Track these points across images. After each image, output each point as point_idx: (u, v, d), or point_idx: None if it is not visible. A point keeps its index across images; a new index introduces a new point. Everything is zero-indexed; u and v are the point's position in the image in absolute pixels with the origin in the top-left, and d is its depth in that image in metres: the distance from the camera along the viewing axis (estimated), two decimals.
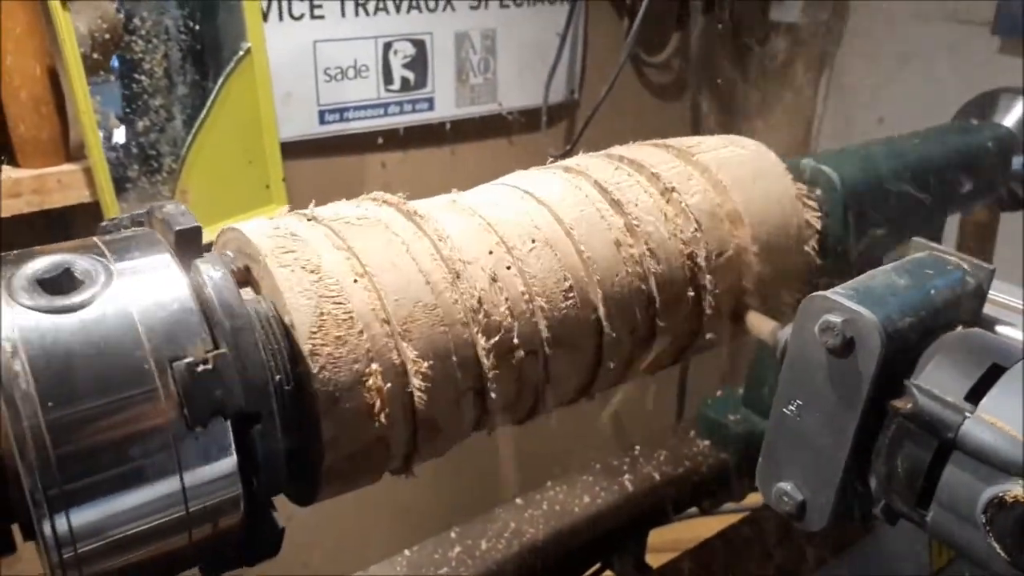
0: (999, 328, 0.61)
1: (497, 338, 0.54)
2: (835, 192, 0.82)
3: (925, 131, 0.97)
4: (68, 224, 1.13)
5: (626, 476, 0.97)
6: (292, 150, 1.29)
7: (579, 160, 0.70)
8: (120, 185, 1.08)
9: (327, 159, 1.36)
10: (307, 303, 0.48)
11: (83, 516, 0.39)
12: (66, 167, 1.07)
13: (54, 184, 1.06)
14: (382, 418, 0.49)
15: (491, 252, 0.57)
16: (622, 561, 1.01)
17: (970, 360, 0.52)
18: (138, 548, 0.41)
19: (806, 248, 0.73)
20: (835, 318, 0.52)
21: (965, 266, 0.60)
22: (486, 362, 0.54)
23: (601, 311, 0.59)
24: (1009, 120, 1.03)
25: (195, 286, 0.44)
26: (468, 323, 0.54)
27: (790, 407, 0.56)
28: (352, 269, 0.52)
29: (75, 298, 0.41)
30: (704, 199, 0.67)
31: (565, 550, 0.88)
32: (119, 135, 1.07)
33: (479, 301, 0.54)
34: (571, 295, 0.58)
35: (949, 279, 0.58)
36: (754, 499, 1.15)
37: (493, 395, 0.54)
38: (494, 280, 0.56)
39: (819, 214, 0.77)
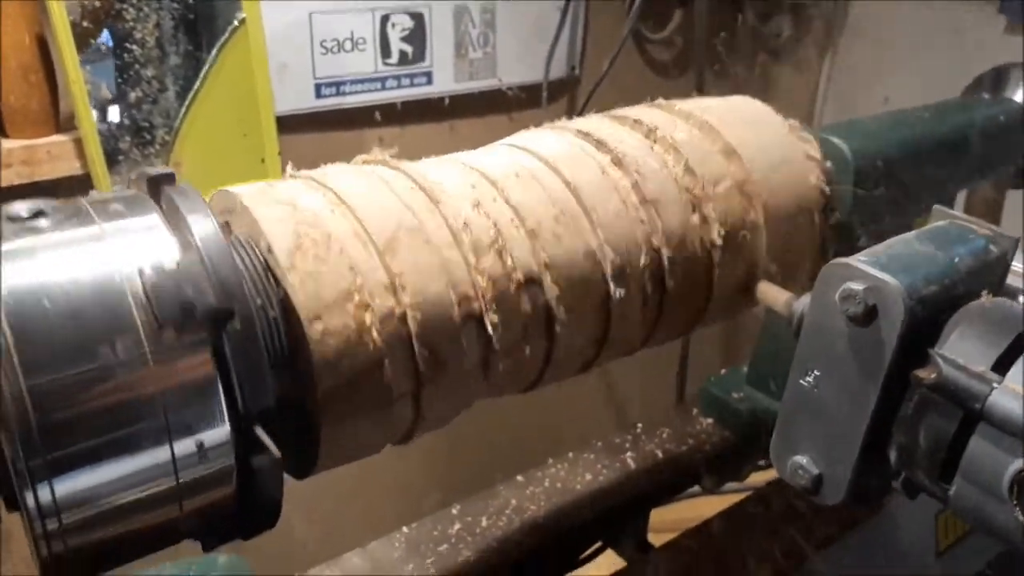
0: (1023, 298, 0.59)
1: (489, 257, 0.53)
2: (846, 164, 0.81)
3: (935, 105, 0.96)
4: (58, 196, 1.10)
5: (628, 454, 0.96)
6: (288, 124, 1.26)
7: (560, 122, 0.68)
8: (112, 157, 1.06)
9: (323, 134, 1.34)
10: (283, 228, 0.48)
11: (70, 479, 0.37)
12: (56, 138, 1.05)
13: (44, 155, 1.04)
14: (374, 334, 0.47)
15: (474, 186, 0.56)
16: (623, 539, 0.99)
17: (996, 330, 0.51)
18: (126, 514, 0.39)
19: (812, 181, 0.71)
20: (857, 285, 0.50)
21: (989, 234, 0.58)
22: (481, 282, 0.52)
23: (599, 237, 0.57)
24: (1020, 95, 1.01)
25: (171, 221, 0.43)
26: (455, 244, 0.52)
27: (807, 378, 0.54)
28: (330, 202, 0.51)
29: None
30: (690, 136, 0.66)
31: (566, 528, 0.87)
32: (111, 109, 1.05)
33: (464, 223, 0.53)
34: (563, 219, 0.57)
35: (972, 247, 0.57)
36: (757, 478, 1.14)
37: (494, 321, 0.52)
38: (477, 206, 0.55)
39: (820, 160, 0.74)
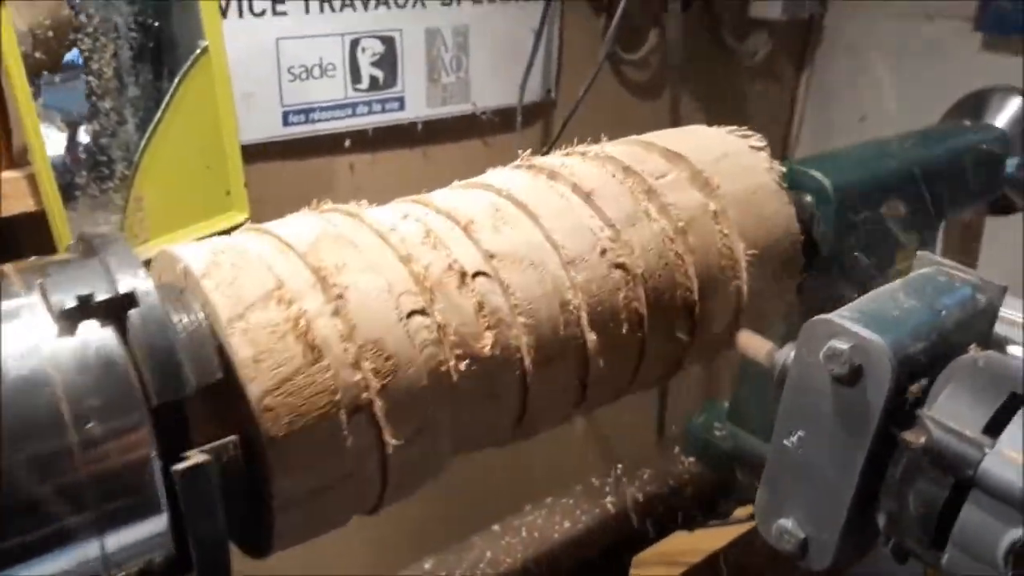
0: (1011, 349, 0.57)
1: (422, 251, 0.51)
2: (827, 198, 0.78)
3: (916, 133, 0.94)
4: (13, 235, 1.06)
5: (608, 498, 0.92)
6: (254, 153, 1.23)
7: (541, 159, 0.65)
8: (68, 193, 1.01)
9: (292, 162, 1.30)
10: (199, 251, 0.47)
11: None
12: (8, 174, 1.00)
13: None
14: (306, 330, 0.44)
15: (405, 213, 0.55)
16: None
17: (987, 388, 0.48)
18: None
19: (784, 205, 0.67)
20: (841, 344, 0.48)
21: (975, 282, 0.56)
22: (418, 271, 0.50)
23: (544, 228, 0.55)
24: (1001, 120, 1.00)
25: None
26: (384, 244, 0.51)
27: (791, 439, 0.52)
28: (252, 231, 0.51)
29: None
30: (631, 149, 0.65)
31: None
32: (61, 140, 1.01)
33: (391, 227, 0.52)
34: (500, 214, 0.55)
35: (959, 298, 0.54)
36: (740, 513, 1.12)
37: (439, 315, 0.49)
38: (405, 217, 0.54)
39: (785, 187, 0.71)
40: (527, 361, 0.52)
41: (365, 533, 1.55)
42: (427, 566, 0.82)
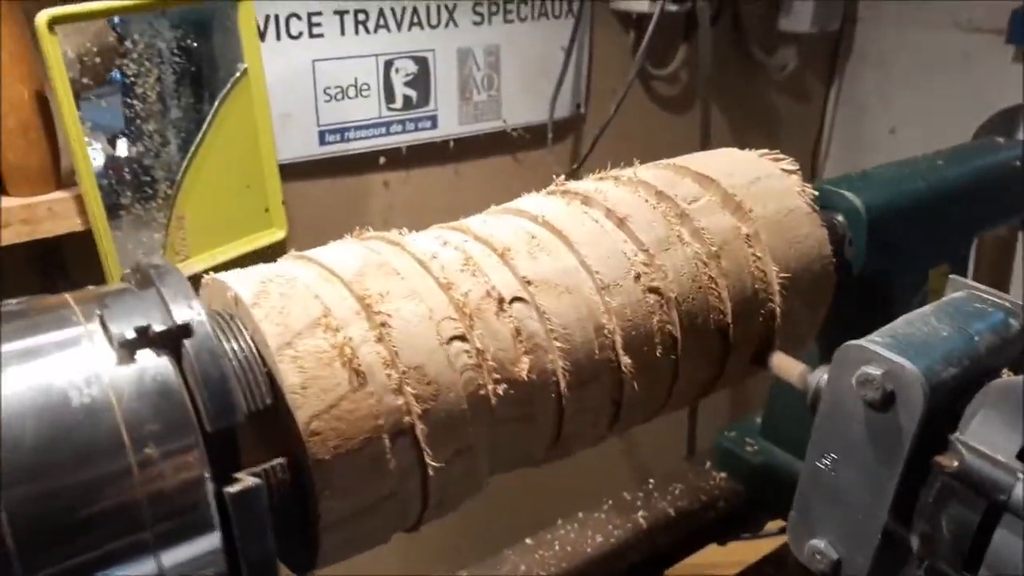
0: None
1: (462, 278, 0.53)
2: (859, 218, 0.79)
3: (948, 151, 0.94)
4: (60, 254, 1.09)
5: (640, 512, 0.93)
6: (292, 172, 1.25)
7: (574, 184, 0.67)
8: (113, 212, 1.04)
9: (328, 180, 1.33)
10: (247, 277, 0.49)
11: None
12: (57, 195, 1.03)
13: (44, 212, 1.03)
14: (351, 356, 0.46)
15: (443, 239, 0.56)
16: None
17: (1020, 413, 0.49)
18: None
19: (816, 228, 0.68)
20: (874, 370, 0.49)
21: (1007, 307, 0.56)
22: (457, 299, 0.51)
23: (580, 253, 0.56)
24: None
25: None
26: (425, 272, 0.52)
27: (824, 461, 0.52)
28: (296, 260, 0.53)
29: None
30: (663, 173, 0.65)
31: None
32: (102, 158, 1.04)
33: (433, 255, 0.54)
34: (535, 241, 0.57)
35: (991, 322, 0.55)
36: (772, 526, 1.12)
37: (477, 344, 0.50)
38: (445, 244, 0.55)
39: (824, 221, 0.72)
40: (562, 384, 0.53)
41: (398, 546, 1.57)
42: None
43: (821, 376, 0.57)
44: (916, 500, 0.50)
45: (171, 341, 0.41)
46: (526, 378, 0.51)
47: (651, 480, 0.99)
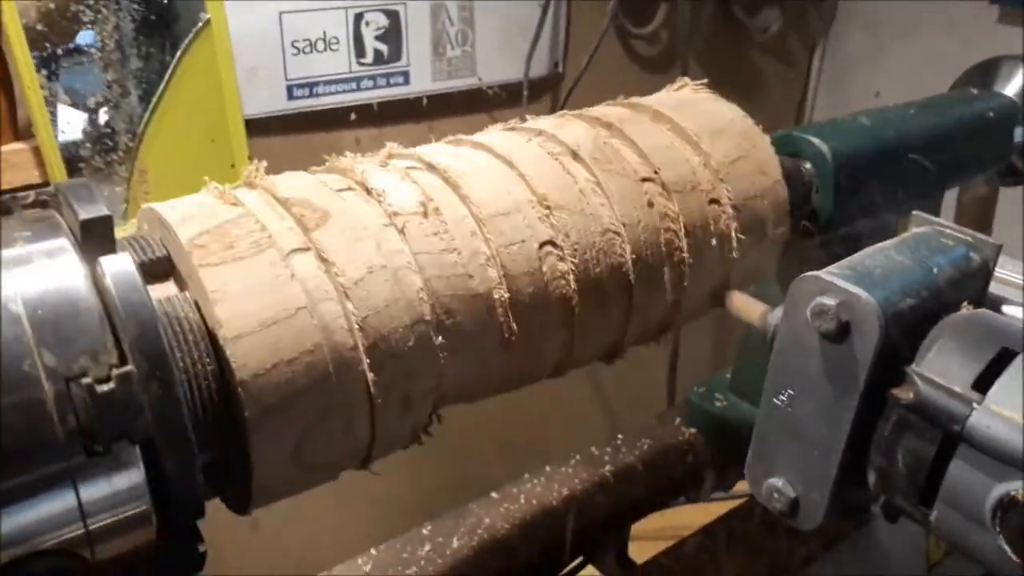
0: (1006, 308, 0.56)
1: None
2: (825, 165, 0.78)
3: (922, 101, 0.92)
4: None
5: (607, 467, 0.92)
6: (259, 127, 1.23)
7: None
8: (72, 165, 1.02)
9: (297, 136, 1.30)
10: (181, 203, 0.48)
11: None
12: (14, 146, 1.01)
13: (1, 164, 1.00)
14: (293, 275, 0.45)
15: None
16: (603, 555, 0.96)
17: (977, 344, 0.48)
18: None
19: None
20: (829, 300, 0.47)
21: (970, 241, 0.55)
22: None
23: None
24: (1010, 89, 0.98)
25: (98, 284, 0.39)
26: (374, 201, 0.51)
27: (781, 397, 0.51)
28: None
29: None
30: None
31: (542, 546, 0.83)
32: (68, 112, 1.01)
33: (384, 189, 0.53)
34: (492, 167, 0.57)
35: (952, 256, 0.54)
36: (743, 487, 1.11)
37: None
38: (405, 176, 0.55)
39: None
40: (506, 313, 0.52)
41: (363, 504, 1.57)
42: (425, 531, 0.83)
43: (779, 314, 0.56)
44: (872, 435, 0.49)
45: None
46: (472, 296, 0.50)
47: (619, 436, 0.98)
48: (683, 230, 0.59)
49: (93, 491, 0.37)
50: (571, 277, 0.53)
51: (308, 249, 0.46)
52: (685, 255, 0.59)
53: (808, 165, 0.78)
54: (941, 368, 0.47)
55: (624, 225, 0.56)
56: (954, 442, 0.45)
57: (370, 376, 0.46)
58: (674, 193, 0.59)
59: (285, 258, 0.45)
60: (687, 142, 0.63)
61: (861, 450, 0.50)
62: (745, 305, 0.61)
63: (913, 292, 0.49)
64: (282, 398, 0.43)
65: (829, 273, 0.49)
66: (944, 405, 0.46)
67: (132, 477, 0.38)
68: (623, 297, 0.57)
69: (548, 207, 0.54)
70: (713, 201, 0.61)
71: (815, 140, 0.78)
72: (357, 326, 0.46)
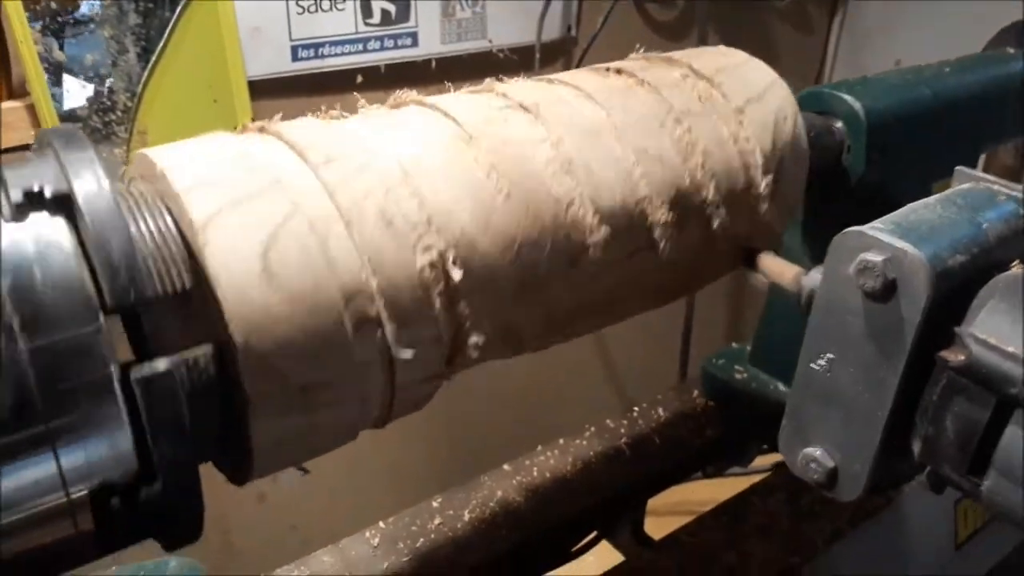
0: None
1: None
2: (858, 123, 0.74)
3: (957, 60, 0.88)
4: None
5: (623, 440, 0.89)
6: (263, 89, 1.19)
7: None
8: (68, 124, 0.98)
9: (301, 99, 1.26)
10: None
11: None
12: (7, 104, 0.98)
13: None
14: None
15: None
16: (619, 530, 0.93)
17: None
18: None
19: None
20: (874, 257, 0.44)
21: (1019, 197, 0.51)
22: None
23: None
24: None
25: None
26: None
27: (819, 361, 0.48)
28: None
29: None
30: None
31: (556, 520, 0.81)
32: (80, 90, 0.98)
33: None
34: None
35: (1002, 212, 0.50)
36: (761, 462, 1.08)
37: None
38: None
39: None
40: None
41: (387, 482, 1.55)
42: (435, 504, 0.80)
43: (816, 276, 0.53)
44: (918, 400, 0.46)
45: (66, 208, 0.36)
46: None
47: (635, 408, 0.95)
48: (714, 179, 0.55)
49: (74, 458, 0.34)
50: None
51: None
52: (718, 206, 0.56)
53: (839, 124, 0.75)
54: (993, 329, 0.44)
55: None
56: (1009, 407, 0.42)
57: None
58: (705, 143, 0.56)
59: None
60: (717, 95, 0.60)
61: (906, 418, 0.46)
62: (777, 266, 0.58)
63: (963, 248, 0.46)
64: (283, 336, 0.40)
65: (874, 228, 0.45)
66: (998, 367, 0.42)
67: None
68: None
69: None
70: (745, 151, 0.58)
71: (847, 97, 0.74)
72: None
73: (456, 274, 0.46)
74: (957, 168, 0.56)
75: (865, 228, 0.46)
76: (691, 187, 0.55)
